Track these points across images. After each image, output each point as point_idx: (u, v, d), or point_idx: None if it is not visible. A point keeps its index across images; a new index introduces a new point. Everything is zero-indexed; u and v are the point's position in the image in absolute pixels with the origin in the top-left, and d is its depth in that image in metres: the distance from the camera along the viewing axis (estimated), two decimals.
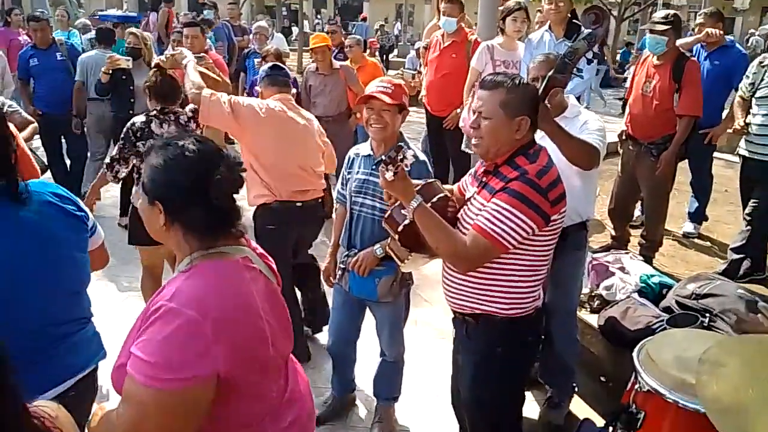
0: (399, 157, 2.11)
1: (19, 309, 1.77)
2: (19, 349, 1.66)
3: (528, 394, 3.36)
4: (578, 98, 3.73)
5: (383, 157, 2.15)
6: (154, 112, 3.72)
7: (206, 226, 1.53)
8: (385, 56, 19.56)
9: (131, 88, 5.43)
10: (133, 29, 6.36)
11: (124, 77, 5.38)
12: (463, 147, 5.49)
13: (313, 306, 4.09)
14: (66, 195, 1.95)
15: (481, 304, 2.27)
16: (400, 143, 2.52)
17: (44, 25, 6.27)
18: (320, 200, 3.78)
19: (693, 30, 5.62)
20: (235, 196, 1.59)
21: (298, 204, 3.55)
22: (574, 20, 4.64)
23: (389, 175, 2.11)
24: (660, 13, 4.54)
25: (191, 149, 1.53)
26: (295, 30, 23.99)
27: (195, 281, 1.46)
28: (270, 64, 3.81)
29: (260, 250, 1.71)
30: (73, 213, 1.94)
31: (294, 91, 5.88)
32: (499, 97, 2.16)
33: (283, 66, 3.82)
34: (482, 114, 2.19)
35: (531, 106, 2.21)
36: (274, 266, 1.73)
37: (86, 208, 2.03)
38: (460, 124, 5.45)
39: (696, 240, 5.46)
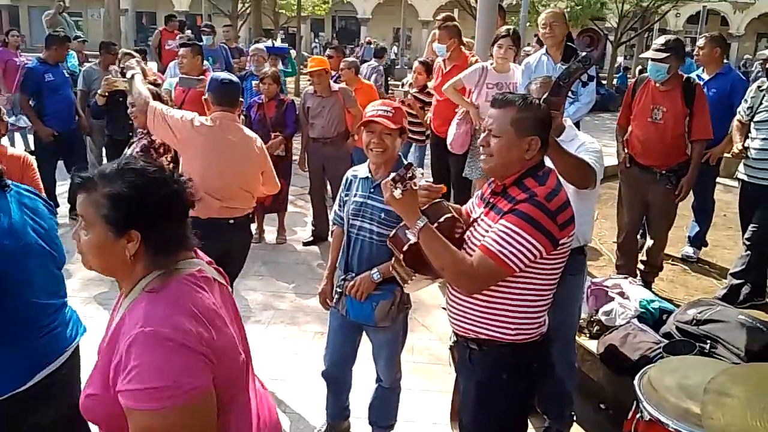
0: (408, 175, 2.08)
1: (28, 276, 2.03)
2: (32, 317, 2.07)
3: None
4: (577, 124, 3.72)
5: (393, 175, 2.12)
6: None
7: (174, 244, 1.54)
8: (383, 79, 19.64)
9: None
10: (126, 50, 6.39)
11: (121, 99, 5.36)
12: (464, 173, 5.50)
13: None
14: (33, 190, 2.23)
15: (487, 329, 2.21)
16: (410, 162, 2.49)
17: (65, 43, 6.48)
18: (248, 216, 3.78)
19: (694, 54, 5.63)
20: None
21: (230, 221, 3.57)
22: (569, 44, 4.66)
23: (398, 193, 2.07)
24: (660, 40, 4.47)
25: (152, 171, 1.52)
26: (292, 53, 24.14)
27: (161, 302, 1.45)
28: (222, 77, 3.69)
29: (208, 258, 1.70)
30: (45, 199, 2.22)
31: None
32: (510, 115, 2.13)
33: (237, 82, 3.74)
34: (492, 132, 2.16)
35: (542, 127, 2.18)
36: (221, 270, 1.73)
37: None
38: (448, 140, 5.47)
39: (695, 264, 5.43)
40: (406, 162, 2.92)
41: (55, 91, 6.16)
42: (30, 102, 6.22)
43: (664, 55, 4.27)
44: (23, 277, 2.02)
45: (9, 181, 2.11)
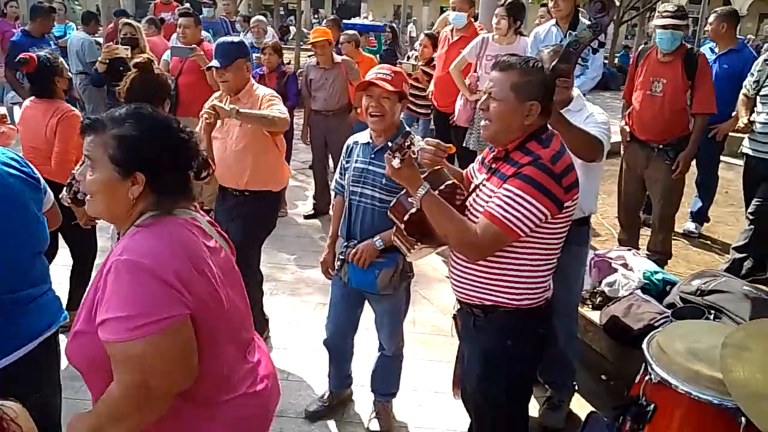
0: (406, 144, 2.03)
1: None
2: None
3: None
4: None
5: (390, 144, 2.07)
6: None
7: (175, 192, 1.56)
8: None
9: None
10: (127, 19, 6.33)
11: (121, 68, 5.28)
12: (464, 143, 5.47)
13: None
14: (20, 159, 2.06)
15: (491, 295, 2.19)
16: (408, 130, 2.45)
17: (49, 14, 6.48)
18: None
19: (705, 32, 5.58)
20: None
21: None
22: (578, 8, 4.63)
23: (396, 162, 2.03)
24: (668, 7, 4.32)
25: (161, 118, 1.57)
26: (292, 30, 23.93)
27: (145, 236, 1.47)
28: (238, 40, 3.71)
29: (209, 218, 1.71)
30: (30, 174, 2.06)
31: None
32: (512, 79, 2.08)
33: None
34: (492, 95, 2.11)
35: (544, 92, 2.13)
36: (224, 234, 1.75)
37: (37, 172, 2.12)
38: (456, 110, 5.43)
39: (697, 240, 5.42)
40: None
41: None
42: (17, 75, 6.16)
43: (682, 22, 4.15)
44: None
45: None
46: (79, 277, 3.89)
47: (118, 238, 1.59)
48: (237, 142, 3.48)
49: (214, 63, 3.46)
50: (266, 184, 3.61)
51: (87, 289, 1.53)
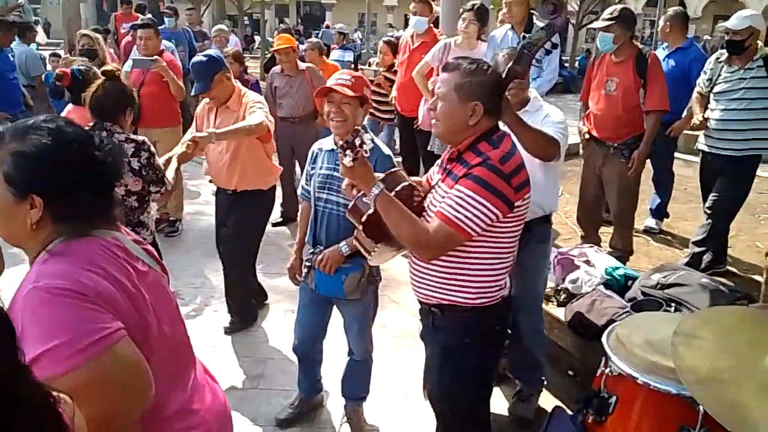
0: (357, 142, 2.04)
1: None
2: None
3: (497, 390, 3.34)
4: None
5: (341, 142, 2.09)
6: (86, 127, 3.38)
7: (86, 217, 1.36)
8: (352, 64, 19.54)
9: None
10: (84, 30, 6.32)
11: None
12: (429, 147, 5.53)
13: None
14: None
15: (447, 294, 2.22)
16: (357, 127, 2.48)
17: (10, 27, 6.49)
18: None
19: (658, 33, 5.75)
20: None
21: None
22: (532, 12, 4.70)
23: (347, 161, 2.04)
24: (608, 10, 4.40)
25: (70, 131, 1.35)
26: (257, 39, 23.86)
27: (56, 260, 1.29)
28: (207, 57, 3.75)
29: (135, 237, 1.54)
30: None
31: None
32: (455, 79, 2.14)
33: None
34: (438, 95, 2.18)
35: (488, 93, 2.16)
36: (154, 253, 1.57)
37: None
38: (419, 119, 5.49)
39: (658, 236, 5.53)
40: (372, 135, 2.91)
41: (1, 76, 6.12)
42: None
43: (609, 23, 4.19)
44: None
45: None
46: None
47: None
48: (228, 149, 3.84)
49: (197, 89, 3.74)
50: (254, 185, 3.98)
51: None
